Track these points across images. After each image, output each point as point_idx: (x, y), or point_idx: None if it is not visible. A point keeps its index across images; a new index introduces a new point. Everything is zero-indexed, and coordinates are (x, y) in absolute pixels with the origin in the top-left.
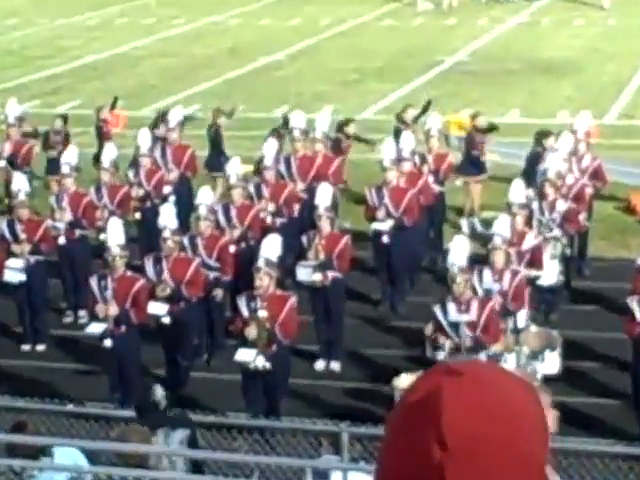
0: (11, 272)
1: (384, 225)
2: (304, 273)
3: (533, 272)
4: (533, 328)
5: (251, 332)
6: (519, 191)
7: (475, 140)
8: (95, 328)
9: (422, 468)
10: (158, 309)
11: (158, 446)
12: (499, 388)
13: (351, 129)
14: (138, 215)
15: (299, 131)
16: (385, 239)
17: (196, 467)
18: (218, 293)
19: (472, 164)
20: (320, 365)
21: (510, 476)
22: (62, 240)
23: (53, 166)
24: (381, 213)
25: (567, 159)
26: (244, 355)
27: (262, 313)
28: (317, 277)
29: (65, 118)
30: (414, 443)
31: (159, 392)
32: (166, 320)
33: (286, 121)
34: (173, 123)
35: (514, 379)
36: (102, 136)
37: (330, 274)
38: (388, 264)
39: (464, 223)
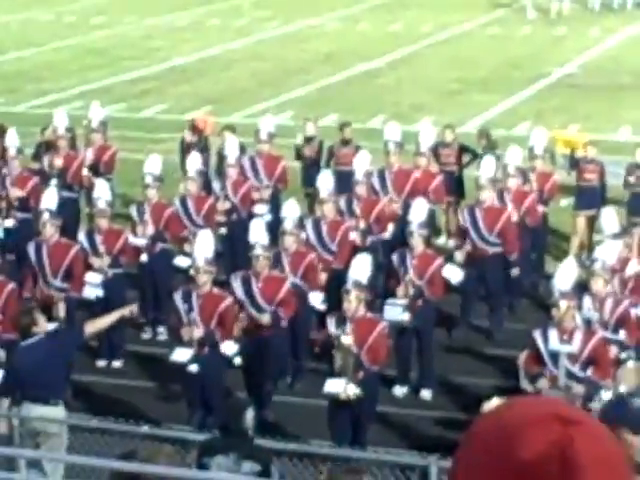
0: (89, 288)
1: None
2: (392, 312)
3: None
4: (632, 363)
5: (336, 362)
6: (611, 221)
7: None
8: (181, 356)
9: None
10: None
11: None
12: (609, 435)
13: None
14: (224, 230)
15: (394, 144)
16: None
17: None
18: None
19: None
20: (398, 391)
21: None
22: (144, 257)
23: None
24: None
25: None
26: (333, 386)
27: (346, 340)
28: (406, 317)
29: None
30: None
31: (249, 417)
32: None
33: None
34: (264, 134)
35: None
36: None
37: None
38: (486, 288)
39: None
